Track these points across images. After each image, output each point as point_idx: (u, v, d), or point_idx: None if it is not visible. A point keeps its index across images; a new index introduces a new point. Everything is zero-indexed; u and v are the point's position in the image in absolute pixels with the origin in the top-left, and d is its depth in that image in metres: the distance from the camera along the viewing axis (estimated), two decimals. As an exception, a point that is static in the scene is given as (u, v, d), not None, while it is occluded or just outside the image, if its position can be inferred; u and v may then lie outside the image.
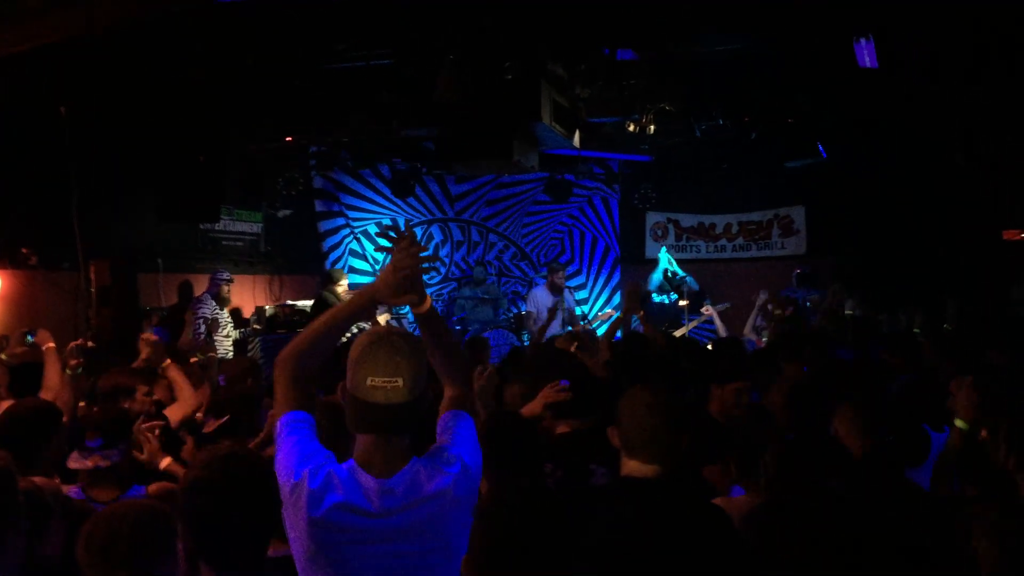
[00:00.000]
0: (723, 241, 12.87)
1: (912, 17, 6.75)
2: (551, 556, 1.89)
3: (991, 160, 9.36)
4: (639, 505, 2.50)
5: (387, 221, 12.42)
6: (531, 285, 12.59)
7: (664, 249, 11.51)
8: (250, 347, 9.61)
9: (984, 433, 3.39)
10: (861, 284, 10.18)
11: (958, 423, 3.47)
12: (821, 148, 9.61)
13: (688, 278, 11.06)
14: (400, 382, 2.12)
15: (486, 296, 11.78)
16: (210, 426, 3.89)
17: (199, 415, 4.60)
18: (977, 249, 10.34)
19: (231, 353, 9.17)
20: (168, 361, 4.94)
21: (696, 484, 3.21)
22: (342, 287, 9.99)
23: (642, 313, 6.82)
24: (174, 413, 4.65)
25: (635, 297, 6.80)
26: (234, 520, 1.88)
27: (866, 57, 7.06)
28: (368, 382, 2.12)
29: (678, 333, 9.44)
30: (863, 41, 6.85)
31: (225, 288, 9.13)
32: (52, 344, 4.88)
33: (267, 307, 10.05)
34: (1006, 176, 9.76)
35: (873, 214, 11.04)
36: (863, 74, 7.25)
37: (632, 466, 2.60)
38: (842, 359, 5.45)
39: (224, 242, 10.47)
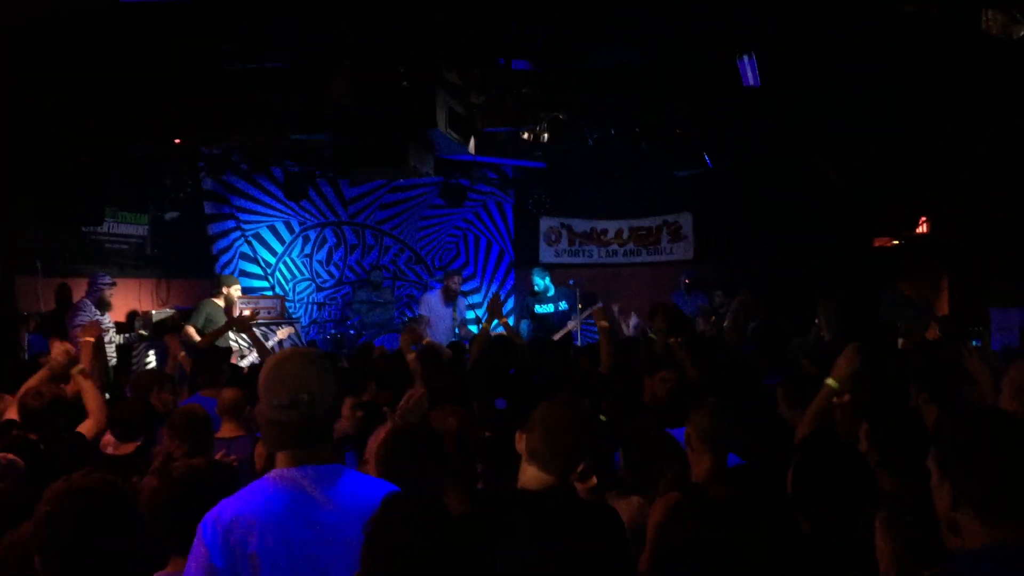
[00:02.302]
0: (614, 246, 13.17)
1: (790, 38, 7.09)
2: (433, 568, 1.94)
3: (861, 172, 9.89)
4: (536, 514, 2.58)
5: (279, 224, 12.24)
6: (426, 289, 12.61)
7: (536, 271, 11.60)
8: (135, 353, 9.35)
9: (847, 396, 3.60)
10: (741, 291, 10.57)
11: (829, 381, 3.62)
12: (707, 158, 9.97)
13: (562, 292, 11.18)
14: (304, 397, 2.26)
15: (380, 300, 11.74)
16: (118, 448, 3.79)
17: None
18: (850, 256, 10.89)
19: (115, 360, 8.91)
20: (79, 370, 4.75)
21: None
22: (236, 291, 9.78)
23: (504, 320, 7.14)
24: (87, 428, 4.43)
25: (495, 305, 7.11)
26: (86, 554, 1.86)
27: (748, 75, 7.38)
28: (276, 402, 2.26)
29: (558, 336, 9.62)
30: (745, 59, 7.16)
31: (107, 292, 8.85)
32: None
33: (153, 312, 9.79)
34: (876, 187, 10.32)
35: (756, 222, 11.49)
36: (746, 89, 7.56)
37: (531, 472, 2.67)
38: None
39: (108, 245, 10.14)
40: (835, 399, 3.62)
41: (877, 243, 11.17)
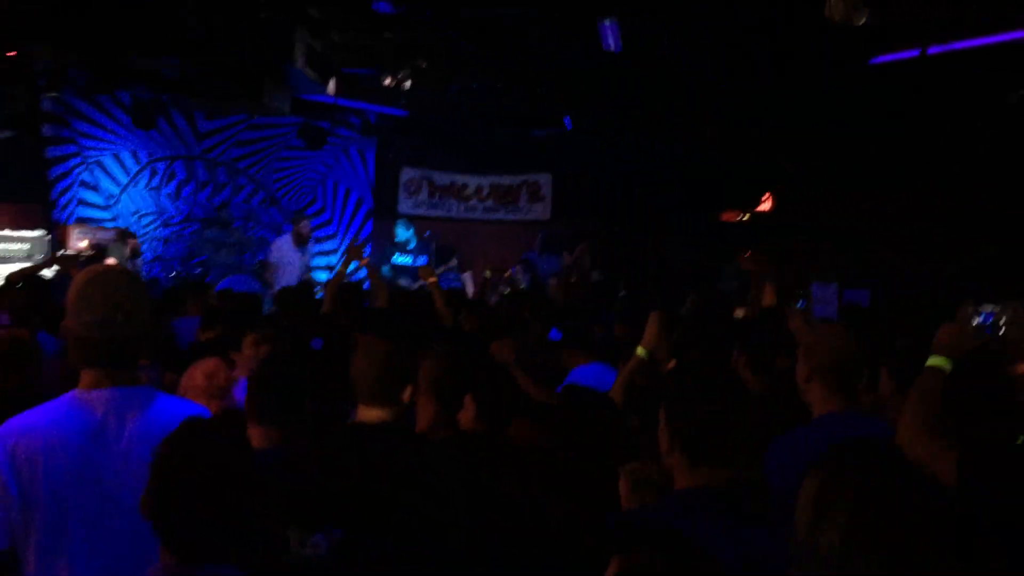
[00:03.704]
0: (474, 202, 13.20)
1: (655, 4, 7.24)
2: (213, 495, 1.91)
3: (712, 144, 10.26)
4: (365, 444, 2.63)
5: (125, 153, 11.64)
6: (280, 232, 12.31)
7: (400, 222, 11.53)
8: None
9: (671, 364, 3.83)
10: (593, 253, 10.84)
11: (639, 350, 3.80)
12: (567, 120, 10.09)
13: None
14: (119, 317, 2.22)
15: (230, 240, 11.39)
16: None
17: None
18: (698, 228, 11.31)
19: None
20: None
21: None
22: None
23: (366, 261, 6.97)
24: None
25: (356, 249, 6.94)
26: None
27: (610, 39, 7.48)
28: (88, 319, 2.21)
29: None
30: (607, 22, 7.25)
31: None
32: None
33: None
34: (726, 160, 10.73)
35: (612, 187, 11.76)
36: (606, 54, 7.68)
37: (364, 412, 2.71)
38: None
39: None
40: (668, 365, 3.82)
41: (725, 217, 11.64)
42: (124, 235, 9.79)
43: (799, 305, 6.84)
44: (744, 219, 11.50)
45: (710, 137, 10.31)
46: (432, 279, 6.21)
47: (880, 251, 9.73)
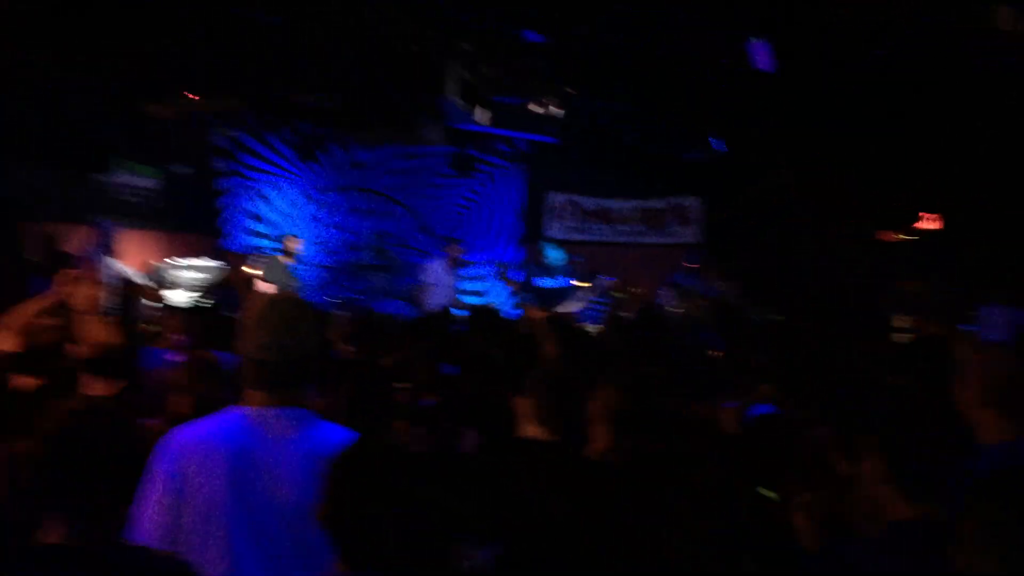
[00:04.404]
0: (621, 226, 13.17)
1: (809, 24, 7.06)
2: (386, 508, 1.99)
3: (872, 160, 9.87)
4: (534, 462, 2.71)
5: (287, 184, 12.28)
6: (431, 257, 12.64)
7: (548, 245, 11.60)
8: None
9: None
10: (745, 277, 10.59)
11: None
12: (716, 144, 9.96)
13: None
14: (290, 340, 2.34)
15: (385, 266, 11.80)
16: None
17: None
18: (853, 250, 10.87)
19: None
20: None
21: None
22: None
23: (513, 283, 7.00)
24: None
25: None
26: (81, 478, 1.92)
27: (762, 60, 7.35)
28: (260, 342, 2.34)
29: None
30: (758, 43, 7.13)
31: (115, 239, 8.93)
32: None
33: (159, 264, 9.87)
34: (882, 177, 10.29)
35: (765, 210, 11.47)
36: (758, 74, 7.54)
37: (532, 431, 2.85)
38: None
39: (117, 195, 10.21)
40: None
41: (884, 236, 11.15)
42: (285, 241, 10.22)
43: (967, 329, 6.48)
44: (906, 238, 10.99)
45: (869, 154, 9.94)
46: (540, 314, 6.23)
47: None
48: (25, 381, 4.14)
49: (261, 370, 2.34)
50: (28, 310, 4.48)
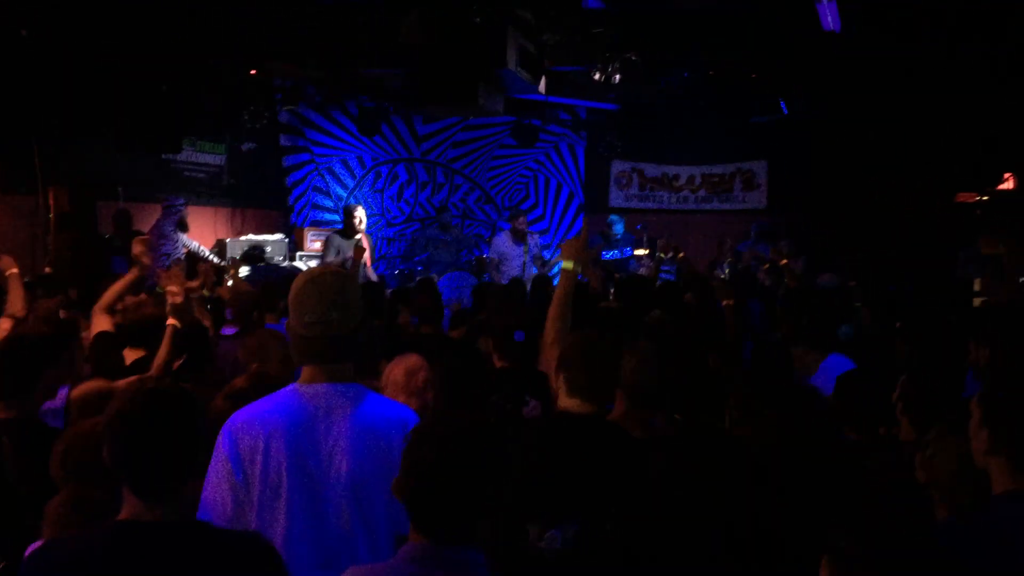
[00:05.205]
0: (686, 192, 12.99)
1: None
2: (467, 482, 2.00)
3: (948, 122, 9.55)
4: (572, 437, 2.74)
5: (352, 158, 12.40)
6: (494, 228, 12.66)
7: (614, 217, 11.49)
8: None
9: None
10: (813, 242, 10.39)
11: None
12: (784, 104, 9.73)
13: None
14: (334, 315, 2.35)
15: (448, 238, 11.84)
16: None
17: None
18: (930, 211, 10.56)
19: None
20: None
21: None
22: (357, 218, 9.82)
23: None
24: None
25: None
26: (149, 453, 1.95)
27: (829, 18, 7.15)
28: (306, 318, 2.36)
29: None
30: (825, 2, 6.93)
31: (185, 213, 9.08)
32: (16, 270, 4.95)
33: (227, 240, 10.06)
34: (962, 138, 9.95)
35: (833, 172, 11.20)
36: (827, 34, 7.34)
37: (572, 403, 2.82)
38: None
39: (186, 173, 10.42)
40: None
41: (959, 198, 10.80)
42: (348, 211, 10.19)
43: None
44: (983, 200, 10.62)
45: (943, 113, 9.61)
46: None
47: None
48: (132, 354, 4.32)
49: (310, 345, 2.38)
50: (112, 292, 4.65)
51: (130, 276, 4.79)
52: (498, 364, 3.95)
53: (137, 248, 4.80)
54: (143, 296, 5.02)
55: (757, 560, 2.56)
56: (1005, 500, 2.04)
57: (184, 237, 9.03)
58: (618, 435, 2.88)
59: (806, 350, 4.52)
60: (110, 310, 4.59)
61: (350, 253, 8.18)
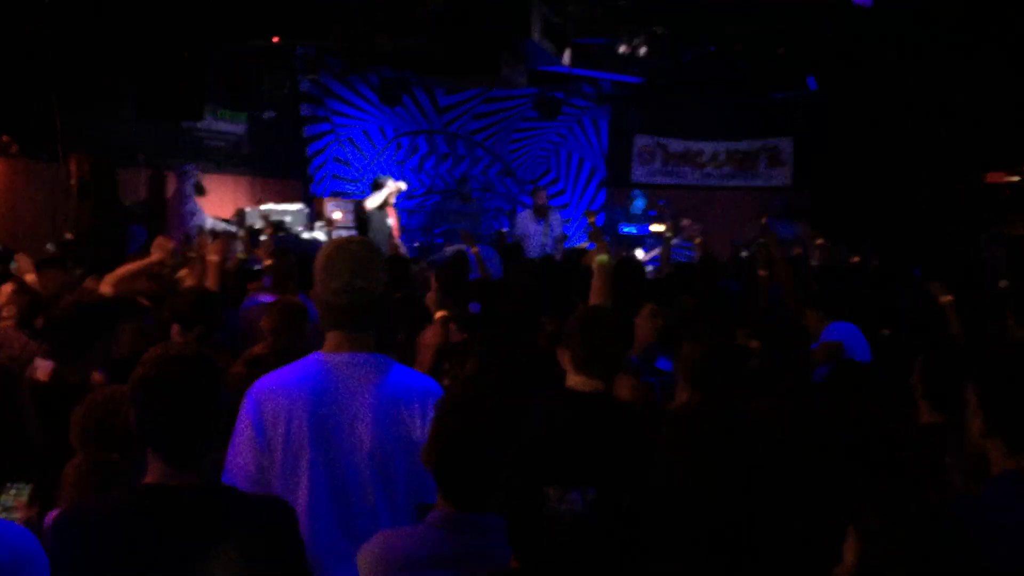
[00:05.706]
0: (710, 168, 12.86)
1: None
2: (492, 450, 2.10)
3: (977, 101, 9.36)
4: (579, 412, 2.75)
5: (373, 129, 12.33)
6: (515, 202, 12.58)
7: (636, 192, 11.39)
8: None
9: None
10: (839, 220, 10.25)
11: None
12: (810, 80, 9.57)
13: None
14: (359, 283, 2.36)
15: (469, 211, 11.80)
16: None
17: None
18: (958, 191, 10.39)
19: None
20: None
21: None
22: (388, 189, 9.84)
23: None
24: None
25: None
26: (175, 418, 1.97)
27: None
28: (333, 286, 2.37)
29: (647, 257, 9.48)
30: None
31: (200, 176, 9.12)
32: (33, 276, 5.04)
33: (247, 209, 10.03)
34: (991, 117, 9.76)
35: (860, 149, 11.03)
36: (855, 9, 7.19)
37: (577, 380, 2.80)
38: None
39: (206, 141, 10.40)
40: None
41: (989, 179, 10.61)
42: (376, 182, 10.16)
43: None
44: (1013, 180, 10.43)
45: (971, 92, 9.42)
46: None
47: None
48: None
49: (335, 314, 2.39)
50: (125, 269, 4.66)
51: (147, 261, 4.85)
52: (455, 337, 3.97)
53: (161, 247, 4.86)
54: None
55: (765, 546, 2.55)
56: (1002, 480, 2.10)
57: (197, 206, 9.04)
58: (626, 412, 2.87)
59: (813, 311, 4.84)
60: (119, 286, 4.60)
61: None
